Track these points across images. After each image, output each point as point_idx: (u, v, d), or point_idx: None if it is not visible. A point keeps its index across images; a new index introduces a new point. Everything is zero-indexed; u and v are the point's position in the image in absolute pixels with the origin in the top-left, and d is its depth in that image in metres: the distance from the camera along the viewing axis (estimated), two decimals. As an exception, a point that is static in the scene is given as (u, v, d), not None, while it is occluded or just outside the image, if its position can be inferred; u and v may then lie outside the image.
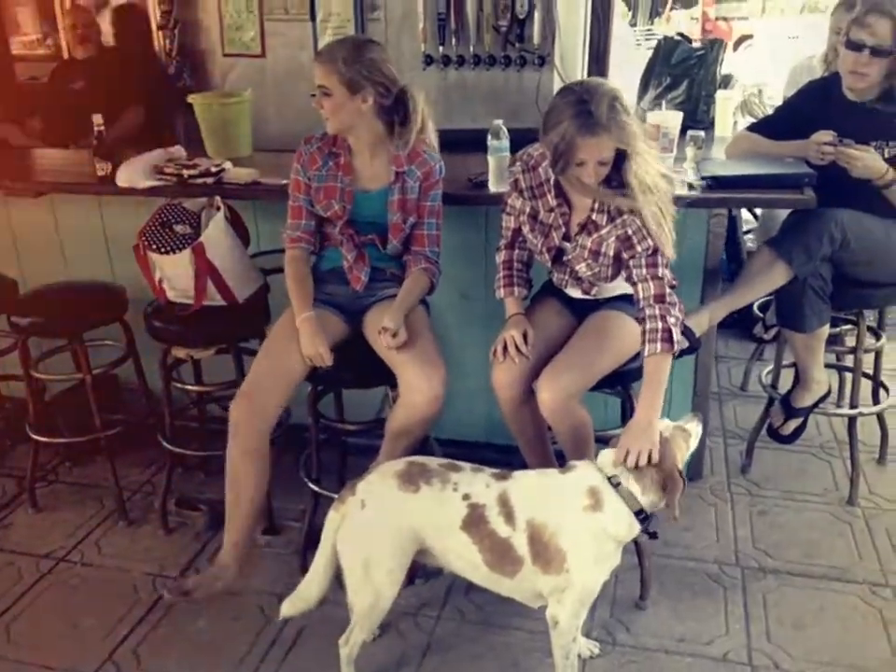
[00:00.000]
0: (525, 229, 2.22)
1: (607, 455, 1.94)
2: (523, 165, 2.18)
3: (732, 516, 2.74)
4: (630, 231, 2.04)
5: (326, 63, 2.18)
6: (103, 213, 3.03)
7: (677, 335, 2.01)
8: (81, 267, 3.06)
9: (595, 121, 1.88)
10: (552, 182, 2.13)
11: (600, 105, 1.88)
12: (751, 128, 2.86)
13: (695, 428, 2.03)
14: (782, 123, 2.74)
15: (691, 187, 2.47)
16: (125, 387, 3.13)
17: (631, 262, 2.07)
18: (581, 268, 2.17)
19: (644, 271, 2.05)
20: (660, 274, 2.05)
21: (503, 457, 2.51)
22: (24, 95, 4.84)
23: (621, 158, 1.96)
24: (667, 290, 2.05)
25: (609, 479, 1.88)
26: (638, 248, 2.05)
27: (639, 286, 2.06)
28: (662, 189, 2.03)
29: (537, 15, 3.78)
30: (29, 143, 3.99)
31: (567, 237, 2.18)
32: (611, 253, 2.11)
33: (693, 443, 2.02)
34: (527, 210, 2.19)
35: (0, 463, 3.13)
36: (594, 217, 2.10)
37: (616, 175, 2.00)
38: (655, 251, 2.04)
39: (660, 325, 2.00)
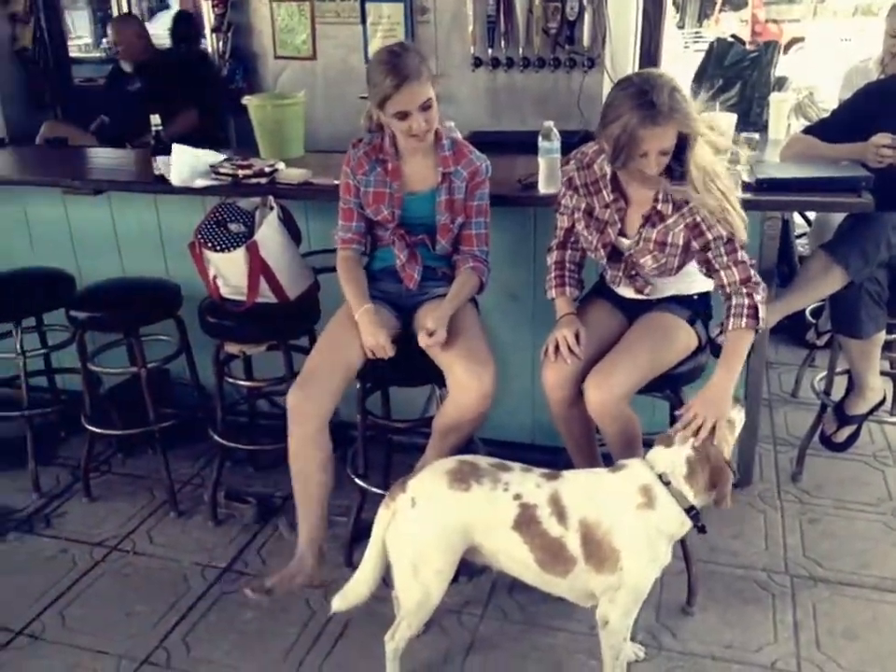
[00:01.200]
0: (580, 226, 2.22)
1: (656, 454, 1.93)
2: (577, 163, 2.18)
3: (782, 524, 2.70)
4: (698, 218, 2.04)
5: (421, 77, 2.15)
6: (159, 211, 3.09)
7: (762, 313, 2.03)
8: (137, 264, 3.14)
9: (657, 111, 1.87)
10: (607, 178, 2.13)
11: (661, 94, 1.87)
12: (807, 130, 2.82)
13: (738, 415, 2.02)
14: (839, 126, 2.70)
15: (745, 188, 2.44)
16: (177, 382, 3.19)
17: (709, 253, 2.06)
18: (647, 261, 2.15)
19: (725, 258, 2.05)
20: (740, 258, 2.04)
21: (548, 459, 2.50)
22: (81, 96, 4.98)
23: (680, 146, 1.96)
24: (752, 272, 2.05)
25: (659, 477, 1.88)
26: (709, 235, 2.04)
27: (722, 273, 2.05)
28: (722, 172, 2.03)
29: (587, 17, 3.79)
30: (87, 142, 4.09)
31: (622, 233, 2.17)
32: (680, 242, 2.09)
33: (738, 431, 2.02)
34: (582, 207, 2.19)
35: (55, 453, 3.21)
36: (659, 207, 2.08)
37: (676, 163, 1.99)
38: (731, 237, 2.03)
39: (746, 301, 2.02)
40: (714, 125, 2.11)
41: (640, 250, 2.15)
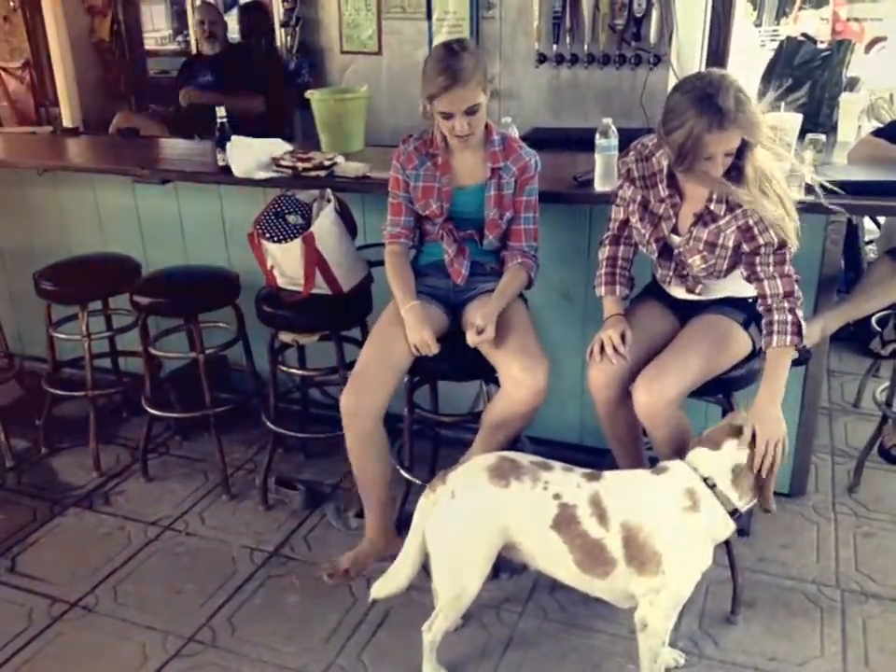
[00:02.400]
0: (634, 218, 2.19)
1: (699, 456, 1.91)
2: (637, 155, 2.16)
3: (835, 537, 2.63)
4: (752, 222, 2.00)
5: (470, 83, 2.14)
6: (222, 201, 3.17)
7: (805, 330, 2.01)
8: (200, 252, 3.23)
9: (723, 116, 1.83)
10: (664, 173, 2.10)
11: (727, 99, 1.83)
12: (877, 132, 2.73)
13: None
14: (911, 128, 2.61)
15: (809, 190, 2.38)
16: (234, 368, 3.27)
17: (756, 259, 2.03)
18: (696, 260, 2.12)
19: (771, 268, 2.02)
20: (787, 271, 2.02)
21: (594, 459, 2.49)
22: (155, 88, 5.13)
23: (740, 146, 1.92)
24: (795, 287, 2.02)
25: (704, 480, 1.86)
26: (760, 240, 2.01)
27: (766, 283, 2.03)
28: (780, 176, 1.99)
29: (654, 14, 3.74)
30: (157, 133, 4.21)
31: (675, 230, 2.14)
32: (730, 244, 2.06)
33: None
34: (638, 199, 2.16)
35: (116, 433, 3.32)
36: (712, 206, 2.05)
37: (733, 163, 1.96)
38: (782, 245, 2.00)
39: (789, 317, 1.99)
40: (777, 125, 2.06)
41: (690, 249, 2.12)
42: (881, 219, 3.84)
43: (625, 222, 2.25)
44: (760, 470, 1.88)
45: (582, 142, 2.72)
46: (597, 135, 2.48)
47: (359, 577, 2.43)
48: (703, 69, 3.59)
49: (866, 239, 4.02)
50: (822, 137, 2.65)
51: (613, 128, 2.48)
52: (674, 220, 2.14)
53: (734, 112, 1.84)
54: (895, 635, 2.23)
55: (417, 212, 2.38)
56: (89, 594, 2.45)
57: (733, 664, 2.16)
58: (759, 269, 2.03)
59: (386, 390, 2.27)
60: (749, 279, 2.08)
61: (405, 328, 2.27)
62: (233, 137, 2.83)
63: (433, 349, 2.24)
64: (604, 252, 2.31)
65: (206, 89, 4.27)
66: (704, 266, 2.12)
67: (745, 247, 2.05)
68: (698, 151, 1.88)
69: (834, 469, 2.97)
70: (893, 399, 2.85)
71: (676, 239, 2.16)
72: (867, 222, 4.05)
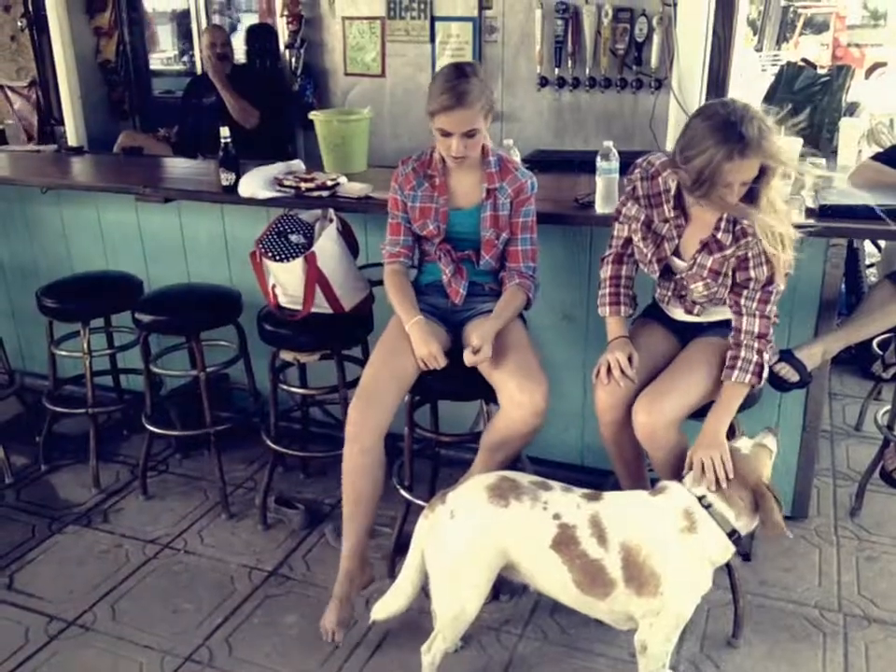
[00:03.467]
0: (637, 237, 2.19)
1: (691, 477, 1.93)
2: (642, 173, 2.16)
3: (837, 560, 2.61)
4: (750, 255, 2.02)
5: (474, 107, 2.16)
6: (224, 221, 3.19)
7: (766, 373, 2.06)
8: (202, 271, 3.24)
9: (746, 144, 1.84)
10: (671, 193, 2.10)
11: (750, 128, 1.84)
12: (877, 157, 2.75)
13: (772, 444, 2.01)
14: (911, 153, 2.63)
15: (809, 213, 2.39)
16: (235, 387, 3.28)
17: (744, 292, 2.06)
18: (698, 287, 2.13)
19: (754, 305, 2.05)
20: (767, 312, 2.06)
21: (594, 480, 2.49)
22: (159, 108, 5.17)
23: (759, 174, 1.93)
24: (770, 331, 2.06)
25: (699, 500, 1.86)
26: (752, 273, 2.03)
27: (745, 318, 2.06)
28: (785, 211, 2.00)
29: (655, 38, 3.77)
30: (161, 152, 4.24)
31: (677, 253, 2.15)
32: (731, 272, 2.08)
33: (772, 458, 2.00)
34: (642, 217, 2.16)
35: (117, 451, 3.32)
36: (719, 235, 2.06)
37: (750, 189, 1.96)
38: (769, 283, 2.03)
39: (755, 357, 2.04)
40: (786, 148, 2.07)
41: (692, 276, 2.13)
42: (882, 243, 3.85)
43: (628, 240, 2.25)
44: (743, 475, 1.90)
45: (584, 164, 2.74)
46: (598, 158, 2.50)
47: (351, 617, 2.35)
48: (703, 99, 3.63)
49: (867, 263, 4.04)
50: (823, 161, 2.67)
51: (614, 151, 2.50)
52: (677, 241, 2.14)
53: (756, 140, 1.84)
54: (897, 661, 2.22)
55: (415, 232, 2.39)
56: (86, 612, 2.43)
57: (734, 688, 2.15)
58: (743, 302, 2.06)
59: (392, 407, 2.27)
60: (731, 308, 2.10)
61: (411, 342, 2.27)
62: (254, 170, 2.85)
63: (441, 362, 2.24)
64: (606, 271, 2.31)
65: (210, 109, 4.30)
66: (706, 293, 2.13)
67: (737, 277, 2.07)
68: (717, 179, 1.88)
69: (836, 493, 2.96)
70: (895, 422, 2.84)
71: (678, 262, 2.16)
72: (868, 246, 4.06)
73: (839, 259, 2.51)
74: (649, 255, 2.18)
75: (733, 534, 1.86)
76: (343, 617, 2.30)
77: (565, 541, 1.87)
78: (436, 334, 2.31)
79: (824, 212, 2.38)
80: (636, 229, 2.19)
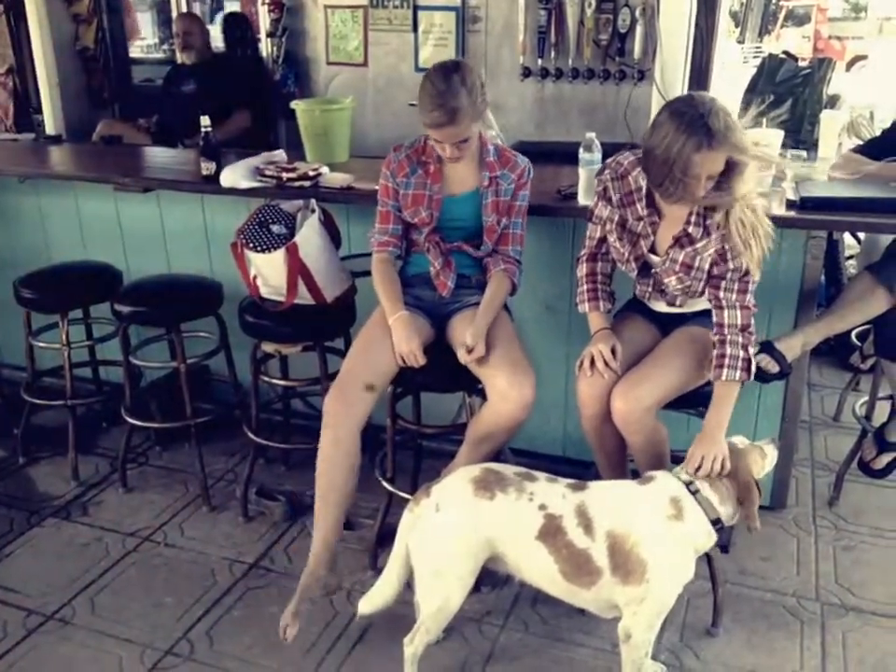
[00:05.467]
0: (612, 237, 2.20)
1: (683, 466, 1.96)
2: (612, 173, 2.16)
3: (815, 550, 2.64)
4: (727, 246, 2.03)
5: (463, 122, 2.16)
6: (205, 211, 3.16)
7: (753, 366, 2.06)
8: (182, 261, 3.21)
9: (713, 136, 1.85)
10: (642, 191, 2.11)
11: (717, 120, 1.85)
12: (857, 149, 2.76)
13: (772, 452, 2.04)
14: (891, 144, 2.64)
15: (790, 205, 2.40)
16: (216, 378, 3.25)
17: (722, 283, 2.06)
18: (671, 281, 2.14)
19: (734, 296, 2.06)
20: (747, 302, 2.06)
21: (576, 471, 2.49)
22: (139, 96, 5.11)
23: (725, 171, 1.94)
24: (752, 321, 2.07)
25: (687, 486, 1.88)
26: (731, 265, 2.04)
27: (726, 311, 2.06)
28: (760, 208, 2.02)
29: (638, 29, 3.76)
30: (141, 141, 4.20)
31: (653, 248, 2.15)
32: (706, 267, 2.09)
33: (768, 466, 2.03)
34: (615, 218, 2.17)
35: (96, 443, 3.29)
36: (689, 230, 2.07)
37: (720, 185, 1.97)
38: (747, 273, 2.04)
39: (741, 353, 2.04)
40: (760, 141, 2.08)
41: (666, 270, 2.14)
42: (861, 235, 3.88)
43: (602, 240, 2.26)
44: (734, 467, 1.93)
45: (566, 156, 2.73)
46: (581, 149, 2.50)
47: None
48: (691, 91, 3.63)
49: (846, 255, 4.06)
50: (803, 153, 2.68)
51: (597, 142, 2.50)
52: (652, 238, 2.15)
53: (723, 132, 1.86)
54: (874, 648, 2.24)
55: (405, 220, 2.38)
56: (65, 606, 2.42)
57: (713, 677, 2.17)
58: (722, 294, 2.06)
59: (370, 398, 2.26)
60: (711, 303, 2.10)
61: (392, 337, 2.26)
62: (238, 163, 2.82)
63: (420, 361, 2.24)
64: (582, 269, 2.32)
65: (191, 97, 4.25)
66: (680, 287, 2.15)
67: (715, 270, 2.07)
68: (685, 171, 1.88)
69: (814, 483, 2.99)
70: (873, 412, 2.88)
71: (654, 259, 2.17)
72: (847, 238, 4.09)
73: (819, 251, 2.53)
74: (626, 254, 2.19)
75: (716, 522, 1.89)
76: (300, 609, 2.21)
77: (551, 532, 1.87)
78: (419, 330, 2.31)
79: (805, 204, 2.39)
80: (610, 229, 2.20)
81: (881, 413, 2.86)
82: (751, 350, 2.05)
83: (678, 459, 2.28)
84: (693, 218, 2.06)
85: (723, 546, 1.95)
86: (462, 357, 2.21)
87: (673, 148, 1.86)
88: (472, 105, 2.18)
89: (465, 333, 2.24)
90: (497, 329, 2.29)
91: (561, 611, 2.31)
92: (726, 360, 2.03)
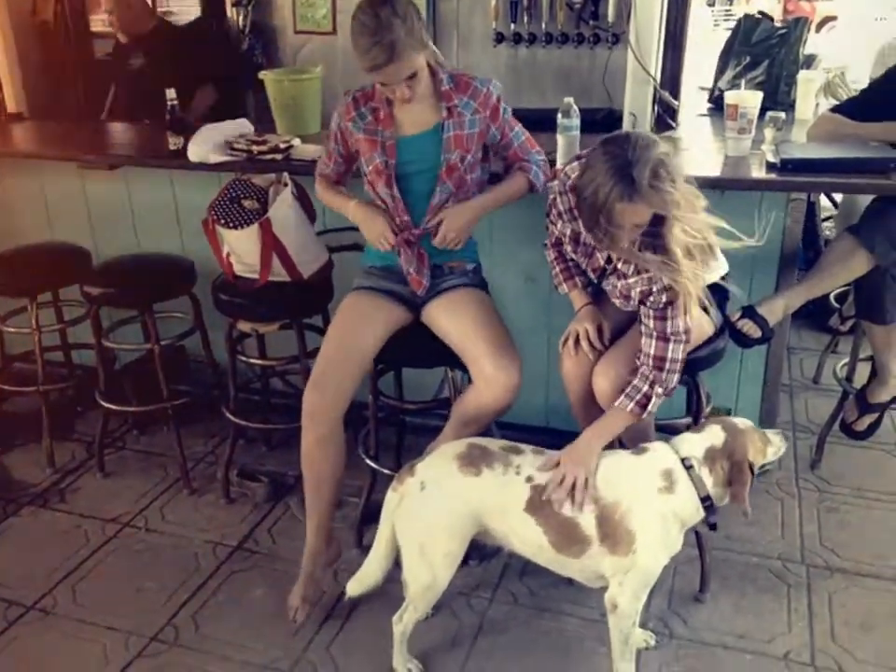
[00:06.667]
0: (568, 249, 2.12)
1: (683, 439, 1.92)
2: (560, 186, 2.06)
3: (799, 512, 2.66)
4: (655, 289, 1.92)
5: (403, 56, 2.01)
6: (175, 187, 3.08)
7: (652, 407, 1.95)
8: (152, 240, 3.13)
9: (635, 189, 1.73)
10: None
11: (643, 171, 1.72)
12: (835, 109, 2.73)
13: (778, 442, 1.98)
14: (869, 104, 2.61)
15: (770, 167, 2.37)
16: (193, 359, 3.19)
17: (642, 309, 1.97)
18: (616, 302, 2.08)
19: (652, 323, 1.94)
20: (669, 333, 1.93)
21: (560, 442, 2.47)
22: (102, 71, 4.95)
23: (655, 223, 1.82)
24: (669, 356, 1.94)
25: (682, 461, 1.86)
26: (653, 298, 1.93)
27: (644, 339, 1.97)
28: (690, 264, 1.85)
29: (612, -8, 3.69)
30: (106, 118, 4.07)
31: (610, 258, 2.04)
32: (637, 300, 1.99)
33: (771, 455, 1.97)
34: (568, 232, 2.09)
35: (71, 429, 3.23)
36: (619, 266, 1.99)
37: (647, 238, 1.86)
38: (669, 304, 1.92)
39: (644, 388, 1.94)
40: (700, 202, 1.86)
41: (611, 292, 2.08)
42: (838, 198, 3.87)
43: (560, 238, 2.17)
44: (732, 448, 1.87)
45: (543, 122, 2.68)
46: (559, 115, 2.45)
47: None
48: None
49: (822, 217, 4.06)
50: (782, 115, 2.65)
51: (575, 107, 2.45)
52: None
53: (646, 188, 1.73)
54: (859, 609, 2.26)
55: (361, 171, 2.26)
56: (46, 595, 2.37)
57: (702, 642, 2.17)
58: (644, 320, 1.96)
59: (350, 389, 2.19)
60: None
61: (369, 319, 2.22)
62: (202, 128, 2.74)
63: (390, 240, 2.18)
64: (550, 254, 2.24)
65: (139, 72, 4.08)
66: (625, 309, 2.07)
67: (646, 301, 1.97)
68: (609, 218, 1.78)
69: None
70: (853, 374, 2.88)
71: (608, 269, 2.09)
72: (823, 200, 4.08)
73: (799, 214, 2.51)
74: (584, 266, 2.12)
75: (705, 500, 1.86)
76: (308, 593, 2.27)
77: (539, 503, 1.86)
78: (389, 319, 2.25)
79: (785, 166, 2.36)
80: (566, 242, 2.12)
81: (862, 374, 2.86)
82: (658, 390, 1.94)
83: (665, 428, 2.28)
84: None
85: (712, 524, 1.92)
86: (438, 239, 2.16)
87: (599, 194, 1.75)
88: (410, 35, 2.01)
89: (442, 315, 2.19)
90: (479, 310, 2.23)
91: (549, 582, 2.31)
92: (629, 388, 1.95)
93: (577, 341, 2.11)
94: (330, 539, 2.33)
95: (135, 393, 3.05)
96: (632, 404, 1.94)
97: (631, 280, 1.97)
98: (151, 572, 2.45)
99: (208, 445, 3.09)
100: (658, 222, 1.81)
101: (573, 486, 1.85)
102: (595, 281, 2.14)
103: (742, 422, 1.96)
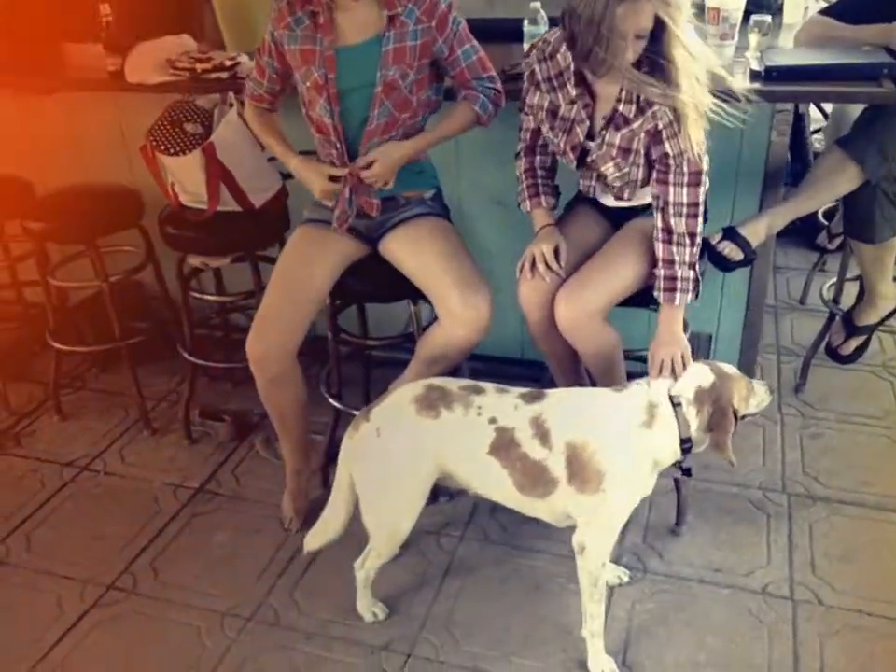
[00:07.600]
0: (545, 127, 1.98)
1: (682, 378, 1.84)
2: (539, 54, 1.92)
3: (781, 439, 2.57)
4: (661, 125, 1.80)
5: None
6: (120, 111, 2.87)
7: (701, 285, 1.93)
8: (99, 169, 2.93)
9: None
10: (571, 70, 1.87)
11: None
12: (825, 11, 2.53)
13: (762, 393, 1.89)
14: (862, 5, 2.42)
15: (754, 76, 2.20)
16: (151, 296, 3.04)
17: (669, 178, 1.85)
18: (609, 168, 1.94)
19: (685, 191, 1.85)
20: (698, 199, 1.85)
21: (535, 373, 2.38)
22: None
23: (657, 37, 1.71)
24: (701, 199, 1.86)
25: (671, 398, 1.75)
26: (667, 147, 1.83)
27: (672, 218, 1.86)
28: (700, 76, 1.75)
29: None
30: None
31: (591, 134, 1.93)
32: (643, 150, 1.87)
33: (754, 406, 1.88)
34: (546, 105, 1.94)
35: (27, 369, 3.09)
36: (620, 108, 1.85)
37: (647, 59, 1.74)
38: (696, 169, 1.83)
39: (691, 274, 1.90)
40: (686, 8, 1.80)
41: (602, 156, 1.93)
42: (828, 108, 3.68)
43: (538, 131, 2.04)
44: (718, 393, 1.78)
45: (516, 33, 2.49)
46: (526, 22, 2.26)
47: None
48: None
49: (812, 129, 3.88)
50: (768, 19, 2.45)
51: (543, 13, 2.27)
52: (588, 123, 1.92)
53: None
54: (840, 539, 2.20)
55: (296, 85, 2.08)
56: (-1, 544, 2.30)
57: (678, 577, 2.11)
58: (671, 190, 1.85)
59: (297, 330, 2.06)
60: (654, 202, 1.90)
61: (317, 258, 2.08)
62: (140, 45, 2.53)
63: (336, 193, 2.05)
64: (520, 165, 2.10)
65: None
66: (618, 175, 1.94)
67: (652, 153, 1.86)
68: (610, 29, 1.65)
69: (780, 369, 2.90)
70: (840, 295, 2.76)
71: (592, 145, 1.95)
72: (812, 111, 3.89)
73: (785, 126, 2.35)
74: (561, 144, 1.97)
75: (685, 441, 1.76)
76: (298, 505, 2.28)
77: (504, 445, 1.75)
78: (344, 252, 2.12)
79: (770, 74, 2.18)
80: (542, 118, 1.97)
81: (849, 295, 2.75)
82: (699, 268, 1.91)
83: (636, 358, 2.17)
84: (623, 95, 1.84)
85: (686, 469, 1.84)
86: (364, 172, 2.00)
87: (598, 2, 1.64)
88: None
89: (402, 248, 2.07)
90: (442, 241, 2.08)
91: (520, 519, 2.19)
92: (678, 283, 1.89)
93: (533, 264, 1.98)
94: (308, 454, 2.30)
95: (92, 331, 2.92)
96: (690, 294, 1.91)
97: (635, 125, 1.84)
98: (109, 517, 2.37)
99: (170, 384, 2.98)
100: (658, 40, 1.71)
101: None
102: (574, 162, 1.99)
103: (729, 367, 1.85)
